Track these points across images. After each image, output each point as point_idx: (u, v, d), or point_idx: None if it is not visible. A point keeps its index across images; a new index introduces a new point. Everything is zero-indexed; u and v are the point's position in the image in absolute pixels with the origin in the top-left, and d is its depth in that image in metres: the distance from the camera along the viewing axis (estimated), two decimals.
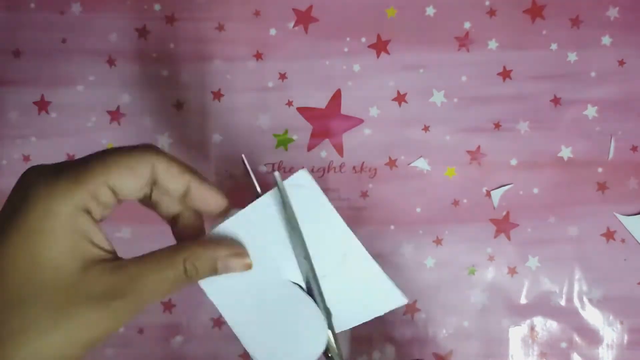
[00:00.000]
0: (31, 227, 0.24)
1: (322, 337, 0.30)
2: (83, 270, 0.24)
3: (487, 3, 0.50)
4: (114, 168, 0.25)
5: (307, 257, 0.29)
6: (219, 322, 0.49)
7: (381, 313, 0.31)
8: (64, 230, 0.24)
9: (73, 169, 0.25)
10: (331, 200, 0.34)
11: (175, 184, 0.27)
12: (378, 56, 0.50)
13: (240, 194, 0.49)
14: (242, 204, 0.30)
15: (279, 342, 0.30)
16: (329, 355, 0.31)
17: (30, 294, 0.23)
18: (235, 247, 0.28)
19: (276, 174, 0.29)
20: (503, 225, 0.50)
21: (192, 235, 0.30)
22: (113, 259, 0.26)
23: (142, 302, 0.25)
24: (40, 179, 0.24)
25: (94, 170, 0.25)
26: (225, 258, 0.27)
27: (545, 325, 0.49)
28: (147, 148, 0.26)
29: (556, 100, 0.50)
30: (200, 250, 0.27)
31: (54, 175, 0.24)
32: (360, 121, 0.50)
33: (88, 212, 0.25)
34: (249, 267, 0.29)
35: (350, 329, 0.31)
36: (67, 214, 0.24)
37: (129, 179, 0.26)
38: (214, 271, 0.27)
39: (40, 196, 0.24)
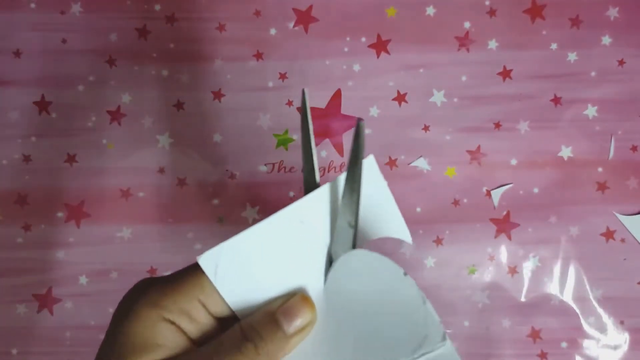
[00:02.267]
0: (123, 339, 0.24)
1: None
2: None
3: (487, 3, 0.50)
4: (208, 285, 0.25)
5: (354, 225, 0.26)
6: None
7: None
8: (142, 336, 0.24)
9: (167, 284, 0.25)
10: None
11: None
12: (378, 56, 0.50)
13: (240, 193, 0.49)
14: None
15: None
16: None
17: None
18: (290, 293, 0.26)
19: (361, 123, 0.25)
20: (503, 225, 0.50)
21: None
22: None
23: None
24: (136, 295, 0.25)
25: (187, 284, 0.25)
26: (284, 307, 0.25)
27: (546, 325, 0.49)
28: None
29: (556, 100, 0.50)
30: (256, 313, 0.25)
31: (149, 288, 0.25)
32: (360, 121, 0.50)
33: (174, 323, 0.25)
34: (314, 317, 0.25)
35: None
36: (150, 321, 0.24)
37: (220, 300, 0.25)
38: (275, 325, 0.24)
39: (132, 307, 0.25)
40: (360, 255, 0.27)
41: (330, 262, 0.27)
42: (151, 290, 0.25)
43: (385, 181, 0.28)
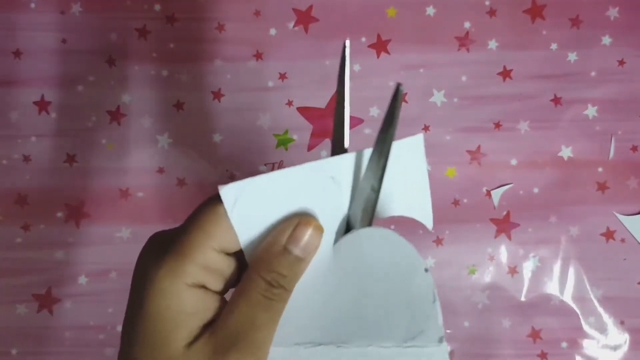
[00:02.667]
0: (148, 314, 0.24)
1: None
2: (187, 347, 0.24)
3: (487, 3, 0.50)
4: (216, 228, 0.24)
5: (376, 189, 0.26)
6: None
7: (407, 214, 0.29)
8: (177, 312, 0.24)
9: (179, 242, 0.24)
10: None
11: None
12: (378, 56, 0.50)
13: None
14: None
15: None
16: None
17: None
18: (292, 219, 0.25)
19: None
20: (503, 225, 0.50)
21: None
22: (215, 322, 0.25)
23: (254, 348, 0.24)
24: (152, 262, 0.24)
25: (197, 238, 0.24)
26: (291, 237, 0.25)
27: (546, 325, 0.49)
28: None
29: (556, 100, 0.50)
30: (262, 254, 0.25)
31: (164, 254, 0.24)
32: (361, 121, 0.50)
33: (201, 286, 0.24)
34: (320, 229, 0.25)
35: None
36: (179, 295, 0.24)
37: (231, 232, 0.25)
38: (291, 257, 0.24)
39: (154, 281, 0.24)
40: (389, 235, 0.27)
41: (347, 223, 0.27)
42: (167, 258, 0.24)
43: (427, 166, 0.28)
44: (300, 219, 0.25)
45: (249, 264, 0.25)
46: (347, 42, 0.27)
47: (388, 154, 0.26)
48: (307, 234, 0.25)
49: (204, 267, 0.24)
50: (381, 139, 0.26)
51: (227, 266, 0.25)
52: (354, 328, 0.26)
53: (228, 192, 0.25)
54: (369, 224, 0.27)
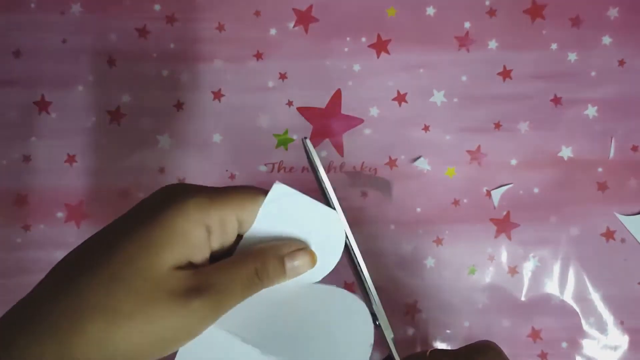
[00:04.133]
0: (160, 225, 0.26)
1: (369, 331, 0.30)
2: (172, 268, 0.26)
3: (487, 3, 0.50)
4: (246, 202, 0.28)
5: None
6: None
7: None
8: (183, 239, 0.26)
9: (214, 193, 0.27)
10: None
11: None
12: (378, 56, 0.50)
13: None
14: None
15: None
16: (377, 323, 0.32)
17: (122, 283, 0.25)
18: (297, 243, 0.29)
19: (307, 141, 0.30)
20: (503, 225, 0.50)
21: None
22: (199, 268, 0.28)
23: (218, 303, 0.27)
24: (187, 191, 0.27)
25: (230, 200, 0.28)
26: (291, 255, 0.29)
27: (546, 325, 0.49)
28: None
29: (556, 100, 0.50)
30: (267, 249, 0.29)
31: (198, 192, 0.27)
32: (361, 121, 0.50)
33: (209, 231, 0.27)
34: (314, 263, 0.30)
35: None
36: (194, 226, 0.26)
37: (253, 216, 0.29)
38: (282, 270, 0.28)
39: (181, 202, 0.26)
40: (358, 306, 0.30)
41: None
42: (201, 194, 0.27)
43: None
44: (307, 247, 0.29)
45: (253, 250, 0.29)
46: (308, 141, 0.31)
47: (332, 199, 0.31)
48: (303, 262, 0.29)
49: (222, 223, 0.27)
50: (319, 187, 0.31)
51: (232, 233, 0.28)
52: (288, 348, 0.29)
53: (278, 189, 0.29)
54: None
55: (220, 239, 0.28)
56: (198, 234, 0.27)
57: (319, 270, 0.30)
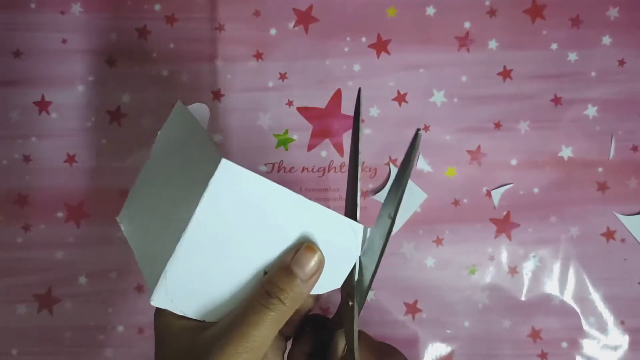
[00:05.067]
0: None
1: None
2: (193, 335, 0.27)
3: (487, 3, 0.50)
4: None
5: (392, 217, 0.29)
6: None
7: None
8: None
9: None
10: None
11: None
12: (378, 56, 0.50)
13: None
14: None
15: None
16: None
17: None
18: (295, 246, 0.28)
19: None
20: (503, 225, 0.50)
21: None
22: None
23: (233, 335, 0.26)
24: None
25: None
26: (296, 259, 0.28)
27: (546, 325, 0.49)
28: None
29: (556, 100, 0.50)
30: (272, 270, 0.28)
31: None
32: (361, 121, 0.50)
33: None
34: (322, 258, 0.28)
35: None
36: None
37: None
38: (292, 277, 0.27)
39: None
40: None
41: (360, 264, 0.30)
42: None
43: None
44: (305, 244, 0.28)
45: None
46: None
47: (404, 189, 0.29)
48: (311, 260, 0.28)
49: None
50: (399, 176, 0.30)
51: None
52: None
53: (160, 299, 0.27)
54: (384, 245, 0.30)
55: None
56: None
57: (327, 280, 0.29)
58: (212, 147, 0.27)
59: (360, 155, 0.30)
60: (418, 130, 0.28)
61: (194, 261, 0.26)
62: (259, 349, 0.26)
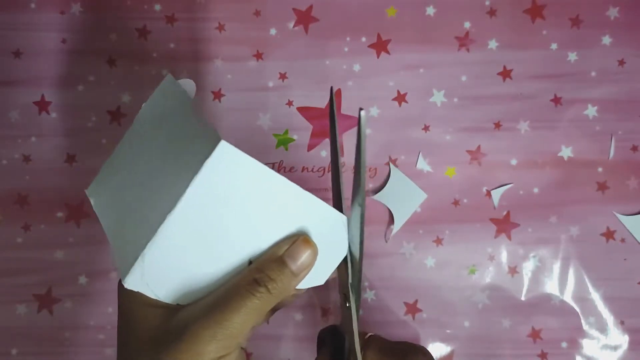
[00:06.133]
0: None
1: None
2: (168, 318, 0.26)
3: (487, 3, 0.50)
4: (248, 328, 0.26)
5: (362, 204, 0.28)
6: None
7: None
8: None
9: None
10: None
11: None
12: (378, 56, 0.50)
13: None
14: None
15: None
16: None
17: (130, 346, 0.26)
18: (291, 237, 0.27)
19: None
20: (503, 225, 0.50)
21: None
22: None
23: (213, 318, 0.25)
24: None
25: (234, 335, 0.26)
26: (290, 251, 0.27)
27: (546, 325, 0.49)
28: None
29: (556, 100, 0.50)
30: (261, 259, 0.27)
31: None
32: None
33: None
34: (316, 251, 0.27)
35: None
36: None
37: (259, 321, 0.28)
38: (285, 269, 0.26)
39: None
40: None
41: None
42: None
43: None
44: (301, 237, 0.27)
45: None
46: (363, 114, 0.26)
47: (364, 175, 0.28)
48: (305, 253, 0.27)
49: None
50: (357, 160, 0.28)
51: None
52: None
53: (133, 281, 0.26)
54: (361, 235, 0.29)
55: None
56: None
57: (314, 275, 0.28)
58: (205, 125, 0.25)
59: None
60: (360, 109, 0.25)
61: (175, 245, 0.24)
62: (237, 336, 0.25)
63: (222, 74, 0.50)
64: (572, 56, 0.50)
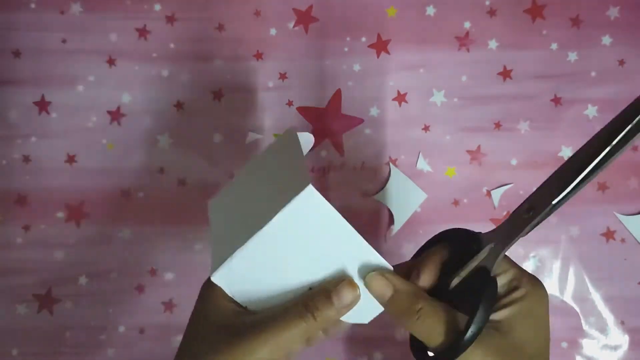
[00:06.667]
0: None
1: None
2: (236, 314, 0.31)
3: (487, 3, 0.50)
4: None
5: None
6: None
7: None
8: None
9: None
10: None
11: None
12: (378, 56, 0.50)
13: None
14: None
15: None
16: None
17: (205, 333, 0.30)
18: (341, 277, 0.31)
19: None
20: None
21: None
22: None
23: (263, 331, 0.29)
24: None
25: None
26: (337, 289, 0.31)
27: None
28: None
29: (556, 100, 0.50)
30: (317, 288, 0.31)
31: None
32: (361, 121, 0.50)
33: None
34: (358, 297, 0.31)
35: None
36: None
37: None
38: (329, 301, 0.30)
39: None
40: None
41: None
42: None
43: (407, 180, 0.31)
44: (347, 279, 0.31)
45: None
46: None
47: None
48: (349, 294, 0.31)
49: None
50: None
51: None
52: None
53: (220, 278, 0.31)
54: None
55: None
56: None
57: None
58: (304, 170, 0.31)
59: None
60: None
61: (256, 258, 0.30)
62: (284, 348, 0.29)
63: (222, 74, 0.50)
64: (572, 56, 0.50)
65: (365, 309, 0.33)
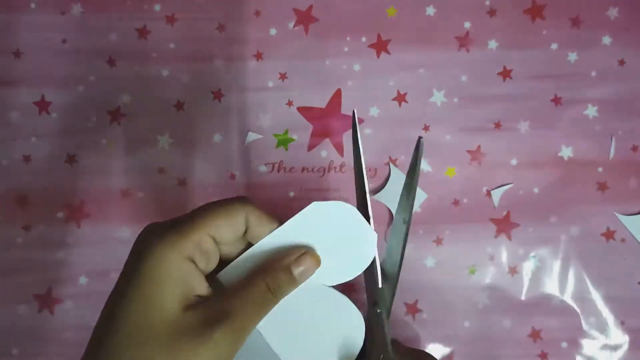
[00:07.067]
0: (145, 276, 0.28)
1: (359, 336, 0.32)
2: (184, 311, 0.28)
3: (487, 3, 0.50)
4: (215, 220, 0.29)
5: (407, 221, 0.34)
6: None
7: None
8: (172, 277, 0.28)
9: (180, 224, 0.29)
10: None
11: (264, 231, 0.31)
12: (378, 56, 0.50)
13: (240, 193, 0.49)
14: None
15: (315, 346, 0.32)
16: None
17: (142, 335, 0.27)
18: (298, 249, 0.31)
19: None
20: (503, 225, 0.50)
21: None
22: (209, 299, 0.29)
23: (240, 327, 0.28)
24: (153, 236, 0.29)
25: (197, 224, 0.29)
26: (296, 261, 0.30)
27: (546, 325, 0.49)
28: (242, 201, 0.31)
29: (556, 100, 0.50)
30: (274, 265, 0.30)
31: (164, 231, 0.29)
32: (360, 121, 0.50)
33: (193, 261, 0.29)
34: (318, 262, 0.31)
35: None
36: (175, 263, 0.28)
37: (228, 229, 0.30)
38: (292, 278, 0.30)
39: (153, 250, 0.28)
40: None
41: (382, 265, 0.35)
42: (167, 234, 0.28)
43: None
44: (308, 250, 0.31)
45: (259, 267, 0.31)
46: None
47: (414, 195, 0.35)
48: (309, 266, 0.31)
49: (197, 246, 0.29)
50: (408, 182, 0.35)
51: (214, 252, 0.30)
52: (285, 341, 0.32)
53: (226, 275, 0.31)
54: (403, 250, 0.35)
55: (208, 262, 0.30)
56: (184, 268, 0.28)
57: (339, 276, 0.32)
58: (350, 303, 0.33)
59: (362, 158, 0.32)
60: (420, 138, 0.32)
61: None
62: (245, 338, 0.29)
63: (222, 74, 0.50)
64: (572, 56, 0.50)
65: (346, 266, 0.33)
